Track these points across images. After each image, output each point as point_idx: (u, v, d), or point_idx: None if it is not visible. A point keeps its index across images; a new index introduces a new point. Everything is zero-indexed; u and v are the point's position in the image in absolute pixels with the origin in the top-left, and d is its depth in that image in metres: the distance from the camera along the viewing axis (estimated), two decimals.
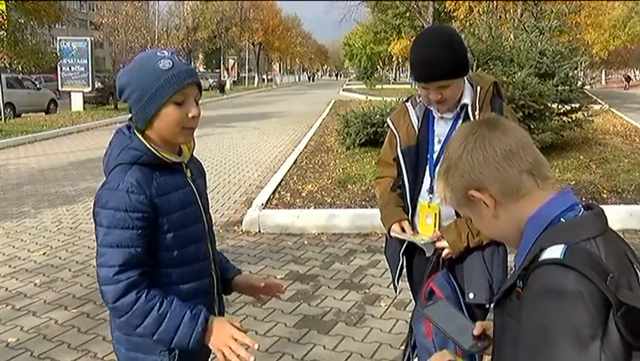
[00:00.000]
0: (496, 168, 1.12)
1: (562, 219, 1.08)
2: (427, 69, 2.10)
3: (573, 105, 9.81)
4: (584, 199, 6.26)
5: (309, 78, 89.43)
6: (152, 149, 1.60)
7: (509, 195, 1.13)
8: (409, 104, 2.35)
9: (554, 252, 1.01)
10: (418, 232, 2.32)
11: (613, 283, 0.96)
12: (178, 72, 1.59)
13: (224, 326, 1.61)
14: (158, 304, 1.56)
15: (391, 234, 2.33)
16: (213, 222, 1.88)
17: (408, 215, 2.33)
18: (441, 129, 2.25)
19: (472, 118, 2.17)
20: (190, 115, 1.62)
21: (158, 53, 1.62)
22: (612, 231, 1.10)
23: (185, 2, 45.27)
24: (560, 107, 9.52)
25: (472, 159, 1.13)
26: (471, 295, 2.18)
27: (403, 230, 2.30)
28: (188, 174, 1.73)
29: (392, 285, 2.58)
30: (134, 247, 1.56)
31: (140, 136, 1.62)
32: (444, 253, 2.23)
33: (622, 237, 1.13)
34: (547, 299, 0.99)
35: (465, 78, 2.21)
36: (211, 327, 1.60)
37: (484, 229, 1.24)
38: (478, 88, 2.20)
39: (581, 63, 11.33)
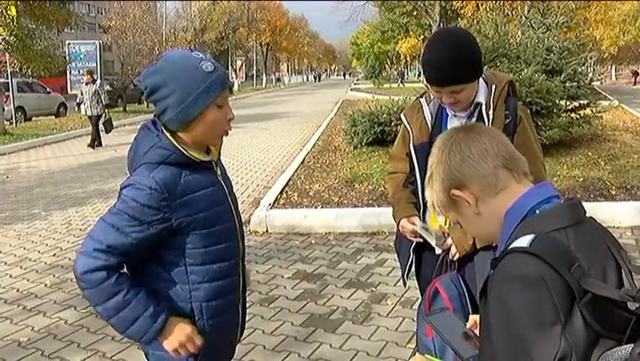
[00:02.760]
0: (473, 166, 1.18)
1: (537, 211, 1.12)
2: (440, 74, 2.06)
3: (581, 102, 9.74)
4: (592, 196, 6.24)
5: (315, 78, 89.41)
6: (181, 148, 1.59)
7: (488, 191, 1.18)
8: (422, 100, 2.34)
9: (522, 241, 1.05)
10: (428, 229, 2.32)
11: (578, 272, 0.99)
12: (221, 75, 1.60)
13: (180, 330, 1.63)
14: (125, 290, 1.56)
15: (401, 229, 2.33)
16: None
17: (420, 212, 2.33)
18: None
19: (485, 117, 2.15)
20: (228, 118, 1.65)
21: (195, 55, 1.61)
22: (592, 222, 1.13)
23: (193, 4, 45.41)
24: (567, 103, 9.45)
25: (450, 160, 1.20)
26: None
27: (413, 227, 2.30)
28: (218, 172, 1.73)
29: (399, 283, 2.59)
30: (131, 238, 1.55)
31: (168, 135, 1.61)
32: (451, 253, 2.22)
33: (604, 227, 1.15)
34: (510, 284, 1.03)
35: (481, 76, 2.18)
36: (168, 328, 1.61)
37: (472, 229, 1.28)
38: (493, 87, 2.17)
39: (590, 59, 11.25)
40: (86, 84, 13.58)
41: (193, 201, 1.61)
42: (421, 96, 2.37)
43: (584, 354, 0.98)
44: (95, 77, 14.17)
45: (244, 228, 1.93)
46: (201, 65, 1.57)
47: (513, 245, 1.06)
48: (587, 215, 1.14)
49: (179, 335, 1.63)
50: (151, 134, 1.63)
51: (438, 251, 2.30)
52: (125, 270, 1.62)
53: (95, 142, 13.30)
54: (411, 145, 2.31)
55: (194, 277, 1.65)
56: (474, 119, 2.18)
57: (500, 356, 1.03)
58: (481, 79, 2.19)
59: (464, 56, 2.04)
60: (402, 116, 2.42)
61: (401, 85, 42.00)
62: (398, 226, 2.35)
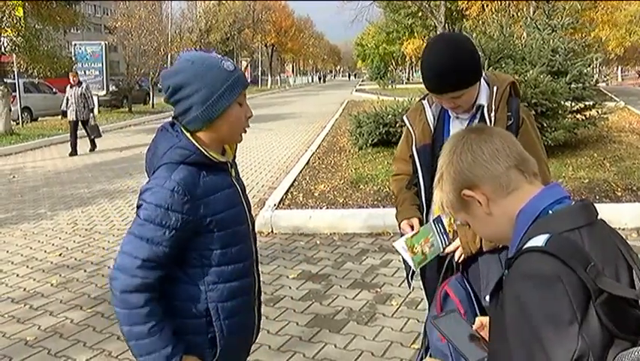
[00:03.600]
0: (485, 167, 1.18)
1: (549, 212, 1.13)
2: (438, 83, 2.07)
3: (587, 103, 9.71)
4: (597, 197, 6.22)
5: (319, 79, 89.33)
6: (201, 148, 1.60)
7: (500, 191, 1.18)
8: (425, 102, 2.34)
9: (537, 241, 1.06)
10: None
11: (593, 272, 1.00)
12: (241, 74, 1.64)
13: None
14: (153, 323, 1.57)
15: (402, 231, 2.34)
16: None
17: (423, 214, 2.34)
18: (456, 129, 2.22)
19: (487, 119, 2.14)
20: (248, 115, 1.68)
21: (213, 55, 1.64)
22: (603, 223, 1.14)
23: (198, 5, 45.52)
24: (573, 104, 9.43)
25: (462, 160, 1.20)
26: (487, 298, 2.16)
27: (412, 228, 2.31)
28: (233, 174, 1.74)
29: (404, 284, 2.59)
30: (163, 246, 1.55)
31: (188, 135, 1.62)
32: (456, 255, 2.22)
33: (613, 228, 1.16)
34: (527, 283, 1.03)
35: (481, 78, 2.17)
36: None
37: (482, 230, 1.28)
38: (495, 88, 2.17)
39: (595, 60, 11.21)
40: (71, 87, 12.37)
41: (212, 202, 1.62)
42: (424, 98, 2.37)
43: (600, 354, 0.98)
44: (81, 79, 12.97)
45: None
46: (222, 65, 1.60)
47: (528, 245, 1.07)
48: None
49: None
50: (169, 135, 1.64)
51: (441, 254, 2.30)
52: (156, 294, 1.60)
53: (76, 148, 12.39)
54: (414, 147, 2.32)
55: (209, 278, 1.66)
56: (476, 121, 2.18)
57: (517, 356, 1.03)
58: (483, 80, 2.19)
59: (461, 63, 2.04)
60: (405, 118, 2.43)
61: (392, 86, 41.69)
62: (399, 226, 2.36)
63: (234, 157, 1.80)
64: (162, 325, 1.59)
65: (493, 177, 1.18)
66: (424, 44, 2.19)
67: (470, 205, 1.22)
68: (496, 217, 1.20)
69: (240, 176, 1.87)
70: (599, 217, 1.14)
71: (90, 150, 12.83)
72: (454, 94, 2.07)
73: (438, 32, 22.87)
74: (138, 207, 1.61)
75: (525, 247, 1.07)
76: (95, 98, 22.34)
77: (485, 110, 2.16)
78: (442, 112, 2.28)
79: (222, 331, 1.69)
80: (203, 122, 1.61)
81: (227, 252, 1.66)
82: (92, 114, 12.53)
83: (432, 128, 2.29)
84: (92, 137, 12.68)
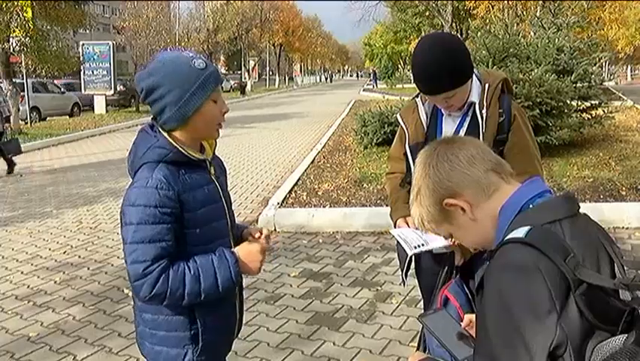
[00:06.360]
0: (464, 173, 1.19)
1: (530, 206, 1.14)
2: (428, 84, 2.10)
3: (593, 102, 9.67)
4: (601, 196, 6.19)
5: (326, 79, 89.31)
6: (178, 147, 1.64)
7: (481, 195, 1.19)
8: (418, 100, 2.36)
9: (518, 232, 1.07)
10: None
11: (572, 262, 1.01)
12: (213, 70, 1.66)
13: (248, 251, 1.72)
14: (186, 268, 1.61)
15: (393, 232, 2.35)
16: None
17: None
18: (449, 127, 2.25)
19: (479, 116, 2.16)
20: (223, 111, 1.71)
21: (185, 54, 1.66)
22: (585, 216, 1.15)
23: (206, 4, 45.63)
24: (579, 103, 9.39)
25: (439, 171, 1.21)
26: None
27: (408, 225, 2.32)
28: (212, 171, 1.78)
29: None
30: (165, 241, 1.59)
31: (165, 135, 1.65)
32: (456, 260, 2.23)
33: (596, 222, 1.16)
34: (506, 273, 1.04)
35: (473, 75, 2.19)
36: (239, 257, 1.68)
37: (467, 238, 1.28)
38: (486, 85, 2.19)
39: (601, 59, 11.13)
40: None
41: (191, 199, 1.65)
42: (417, 96, 2.38)
43: (579, 344, 0.99)
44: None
45: (252, 226, 1.97)
46: (193, 63, 1.63)
47: (509, 237, 1.08)
48: (587, 213, 1.15)
49: (249, 256, 1.71)
50: (148, 136, 1.68)
51: (432, 248, 2.30)
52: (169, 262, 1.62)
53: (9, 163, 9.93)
54: (407, 145, 2.34)
55: None
56: (468, 119, 2.20)
57: (496, 345, 1.04)
58: (475, 78, 2.20)
59: (450, 62, 2.05)
60: (398, 116, 2.45)
61: (375, 87, 41.85)
62: (395, 225, 2.37)
63: (214, 155, 1.83)
64: (192, 259, 1.63)
65: (473, 182, 1.19)
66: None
67: (453, 215, 1.22)
68: (481, 221, 1.21)
69: (225, 172, 1.91)
70: (581, 212, 1.15)
71: (7, 173, 9.98)
72: (447, 94, 2.08)
73: (445, 31, 22.80)
74: (123, 213, 1.62)
75: (506, 238, 1.09)
76: (103, 98, 22.62)
77: (477, 107, 2.17)
78: (435, 110, 2.30)
79: (204, 326, 1.72)
80: (177, 121, 1.64)
81: (208, 248, 1.69)
82: (6, 124, 10.05)
83: (425, 126, 2.30)
84: (9, 155, 9.89)
